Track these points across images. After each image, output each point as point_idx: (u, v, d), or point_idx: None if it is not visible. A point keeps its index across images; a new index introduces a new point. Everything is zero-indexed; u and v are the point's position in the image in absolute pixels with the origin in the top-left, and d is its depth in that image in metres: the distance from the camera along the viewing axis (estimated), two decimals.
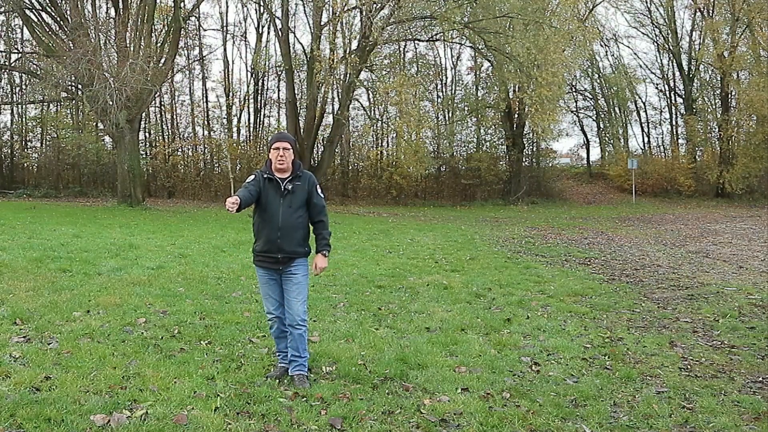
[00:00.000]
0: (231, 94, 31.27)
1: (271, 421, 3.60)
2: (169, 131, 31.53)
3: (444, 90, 33.71)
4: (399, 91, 22.23)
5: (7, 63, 24.68)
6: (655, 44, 34.06)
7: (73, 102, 26.47)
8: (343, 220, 17.97)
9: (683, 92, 33.15)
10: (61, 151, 27.96)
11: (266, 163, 4.39)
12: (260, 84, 31.31)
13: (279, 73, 30.51)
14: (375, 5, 20.65)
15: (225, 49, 37.63)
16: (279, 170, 4.30)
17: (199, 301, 6.46)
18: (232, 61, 46.97)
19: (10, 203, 20.63)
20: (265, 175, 4.31)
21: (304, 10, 28.16)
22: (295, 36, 30.23)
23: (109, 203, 21.85)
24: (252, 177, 4.36)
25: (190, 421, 3.51)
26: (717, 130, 31.75)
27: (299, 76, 28.50)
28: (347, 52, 24.09)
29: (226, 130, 31.53)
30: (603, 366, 4.75)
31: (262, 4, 26.39)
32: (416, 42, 26.82)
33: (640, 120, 35.94)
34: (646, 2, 32.95)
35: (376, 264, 9.51)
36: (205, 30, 31.09)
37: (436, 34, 24.38)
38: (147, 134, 30.91)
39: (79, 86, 21.29)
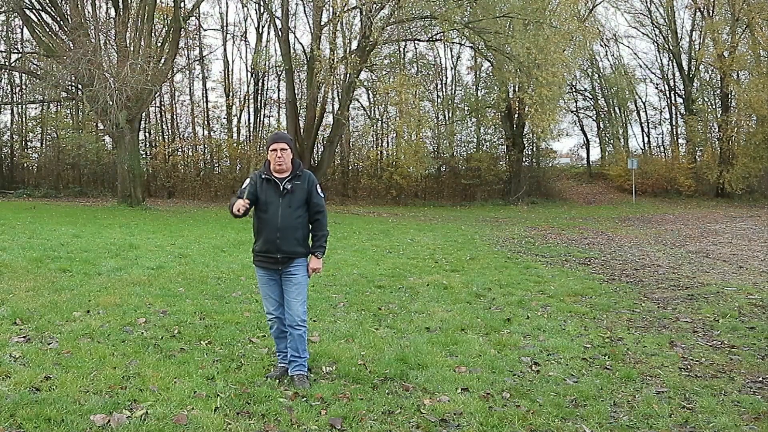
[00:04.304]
0: (231, 94, 31.27)
1: (271, 421, 3.60)
2: (169, 131, 31.54)
3: (444, 90, 33.74)
4: (399, 91, 22.22)
5: (7, 63, 24.67)
6: (655, 44, 34.10)
7: (73, 102, 26.46)
8: (343, 220, 17.97)
9: (683, 92, 33.14)
10: (61, 151, 27.98)
11: (265, 164, 4.38)
12: (260, 84, 31.33)
13: (279, 73, 30.51)
14: (375, 5, 20.63)
15: (225, 49, 37.70)
16: (278, 171, 4.30)
17: (199, 301, 6.46)
18: (232, 61, 46.99)
19: (10, 203, 20.63)
20: (263, 176, 4.31)
21: (304, 10, 28.21)
22: (295, 36, 30.34)
23: (109, 203, 21.86)
24: (247, 182, 4.37)
25: (190, 421, 3.51)
26: (717, 130, 31.75)
27: (299, 76, 28.50)
28: (347, 52, 24.07)
29: (226, 130, 31.55)
30: (603, 366, 4.75)
31: (262, 4, 26.39)
32: (416, 42, 26.82)
33: (640, 120, 35.99)
34: (646, 2, 32.99)
35: (376, 264, 9.51)
36: (205, 30, 31.15)
37: (436, 34, 24.37)
38: (147, 134, 30.94)
39: (79, 86, 21.29)
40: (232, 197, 4.32)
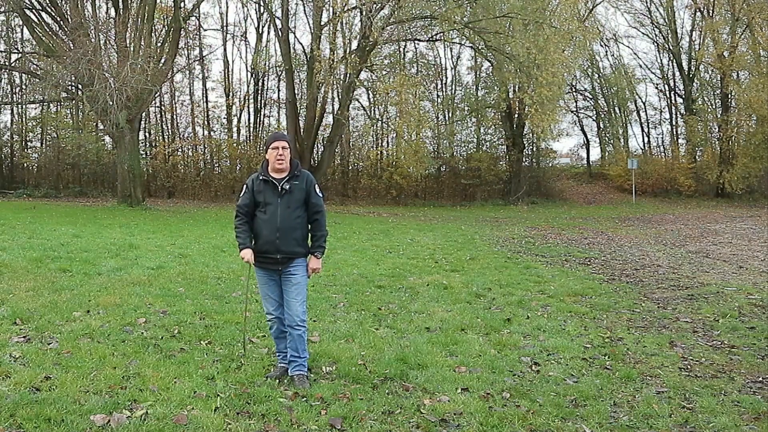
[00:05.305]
0: (231, 94, 31.27)
1: (271, 421, 3.60)
2: (169, 131, 31.54)
3: (444, 90, 33.73)
4: (399, 91, 22.23)
5: (7, 63, 24.68)
6: (655, 44, 34.10)
7: (73, 102, 26.47)
8: (343, 220, 17.96)
9: (683, 92, 33.14)
10: (61, 151, 27.97)
11: (262, 165, 4.39)
12: (260, 84, 31.33)
13: (279, 73, 30.51)
14: (375, 5, 20.64)
15: (225, 49, 37.68)
16: (278, 170, 4.30)
17: (199, 301, 6.46)
18: (232, 61, 46.93)
19: (10, 203, 20.63)
20: (261, 177, 4.32)
21: (304, 10, 28.22)
22: (295, 36, 30.29)
23: (109, 203, 21.85)
24: (243, 189, 4.40)
25: (190, 421, 3.51)
26: (717, 130, 31.75)
27: (299, 76, 28.50)
28: (347, 52, 24.09)
29: (226, 130, 31.55)
30: (603, 366, 4.75)
31: (262, 4, 26.41)
32: (416, 42, 26.83)
33: (640, 120, 35.98)
34: (646, 2, 32.99)
35: (376, 264, 9.51)
36: (205, 30, 31.12)
37: (436, 34, 24.39)
38: (147, 134, 30.95)
39: (79, 86, 21.29)
40: (236, 231, 4.39)
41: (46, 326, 5.21)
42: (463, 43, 26.65)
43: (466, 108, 32.32)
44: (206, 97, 31.86)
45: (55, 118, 28.97)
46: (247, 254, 4.28)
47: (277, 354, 4.52)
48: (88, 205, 21.04)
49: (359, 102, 29.17)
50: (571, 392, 4.17)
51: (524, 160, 31.32)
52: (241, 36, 32.39)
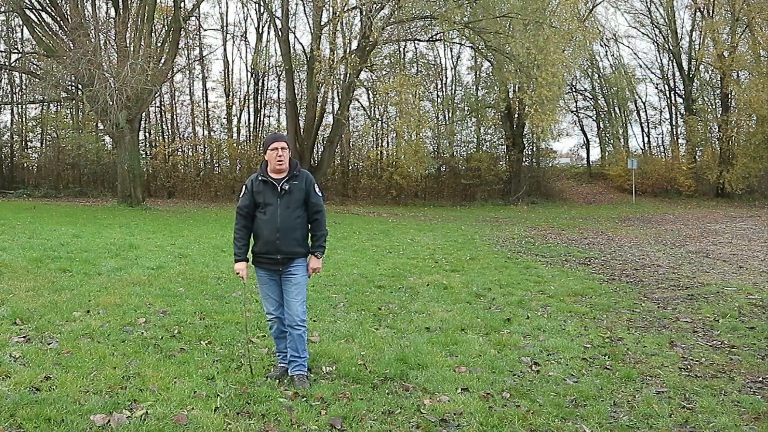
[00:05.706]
0: (231, 94, 31.28)
1: (271, 421, 3.60)
2: (169, 131, 31.55)
3: (444, 90, 33.74)
4: (399, 91, 22.23)
5: (7, 63, 24.67)
6: (655, 44, 34.10)
7: (73, 102, 26.47)
8: (343, 220, 17.96)
9: (683, 92, 33.14)
10: (61, 151, 27.97)
11: (261, 165, 4.39)
12: (260, 84, 31.34)
13: (279, 73, 30.52)
14: (375, 5, 20.64)
15: (225, 49, 37.72)
16: (277, 171, 4.30)
17: (199, 301, 6.46)
18: (232, 61, 46.97)
19: (10, 203, 20.63)
20: (260, 178, 4.32)
21: (304, 10, 28.21)
22: (295, 36, 30.31)
23: (109, 203, 21.85)
24: (243, 190, 4.40)
25: (190, 421, 3.51)
26: (717, 130, 31.75)
27: (299, 76, 28.50)
28: (347, 52, 24.08)
29: (226, 130, 31.56)
30: (603, 366, 4.75)
31: (262, 4, 26.41)
32: (416, 42, 26.83)
33: (640, 120, 35.97)
34: (646, 2, 32.99)
35: (376, 264, 9.51)
36: (205, 30, 31.13)
37: (436, 34, 24.38)
38: (147, 134, 30.95)
39: (79, 86, 21.30)
40: (234, 237, 4.41)
41: (46, 326, 5.21)
42: (463, 43, 26.66)
43: (466, 108, 32.32)
44: (206, 97, 31.93)
45: (55, 118, 28.97)
46: (242, 269, 4.35)
47: (277, 354, 4.52)
48: (88, 205, 21.04)
49: (359, 102, 29.21)
50: (571, 392, 4.17)
51: (524, 160, 31.32)
52: (241, 36, 32.46)
